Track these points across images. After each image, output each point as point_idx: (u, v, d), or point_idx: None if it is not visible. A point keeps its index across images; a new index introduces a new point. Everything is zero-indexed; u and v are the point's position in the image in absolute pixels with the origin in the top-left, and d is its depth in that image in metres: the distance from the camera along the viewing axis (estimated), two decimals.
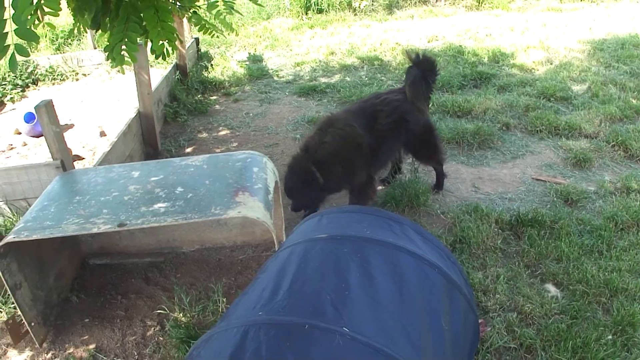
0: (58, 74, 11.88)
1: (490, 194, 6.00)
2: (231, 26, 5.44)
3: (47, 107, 4.89)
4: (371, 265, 2.63)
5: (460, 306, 2.83)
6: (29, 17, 2.53)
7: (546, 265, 4.76)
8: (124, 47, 3.33)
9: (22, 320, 4.35)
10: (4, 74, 11.09)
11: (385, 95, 5.72)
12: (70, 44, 13.51)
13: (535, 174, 6.37)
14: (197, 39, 11.95)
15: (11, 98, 10.80)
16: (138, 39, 3.67)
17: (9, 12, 2.64)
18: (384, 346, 2.21)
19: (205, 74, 10.71)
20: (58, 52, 13.38)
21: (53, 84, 11.71)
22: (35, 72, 11.78)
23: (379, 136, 5.34)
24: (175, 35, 3.48)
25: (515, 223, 5.33)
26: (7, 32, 2.64)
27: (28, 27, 2.57)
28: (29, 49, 2.70)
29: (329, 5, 15.50)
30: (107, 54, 3.75)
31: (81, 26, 4.12)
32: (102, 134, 8.41)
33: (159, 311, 4.59)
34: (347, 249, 2.73)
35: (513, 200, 5.85)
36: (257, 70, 10.78)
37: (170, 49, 3.57)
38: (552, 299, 4.40)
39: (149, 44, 3.74)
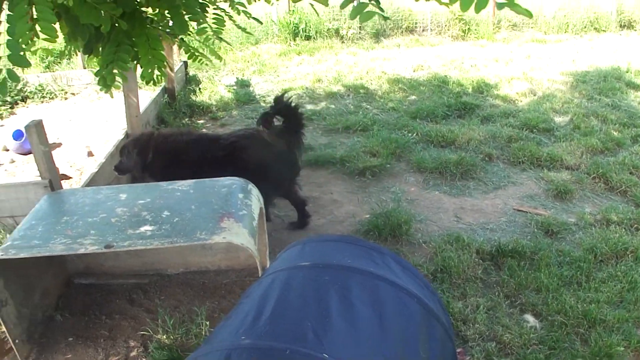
0: (47, 92, 11.92)
1: (472, 224, 6.08)
2: (218, 54, 5.52)
3: (37, 126, 4.95)
4: (352, 293, 2.68)
5: (438, 335, 2.89)
6: (24, 44, 2.60)
7: (525, 296, 4.82)
8: (114, 69, 3.39)
9: (6, 337, 4.38)
10: None
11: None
12: (60, 62, 13.56)
13: (517, 205, 6.45)
14: (185, 63, 12.02)
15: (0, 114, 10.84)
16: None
17: (3, 38, 2.70)
18: None
19: (193, 98, 10.77)
20: (48, 70, 13.42)
21: (42, 102, 11.74)
22: (25, 89, 11.80)
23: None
24: (165, 62, 3.56)
25: (496, 253, 5.39)
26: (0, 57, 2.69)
27: (22, 53, 2.63)
28: (19, 75, 2.77)
29: (316, 32, 15.58)
30: (97, 77, 3.83)
31: (72, 49, 4.18)
32: (90, 154, 8.44)
33: (142, 332, 4.61)
34: (329, 277, 2.79)
35: (494, 231, 5.92)
36: (244, 95, 10.84)
37: (159, 75, 3.65)
38: (530, 329, 4.46)
39: (139, 68, 3.82)
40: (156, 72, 3.52)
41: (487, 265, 5.27)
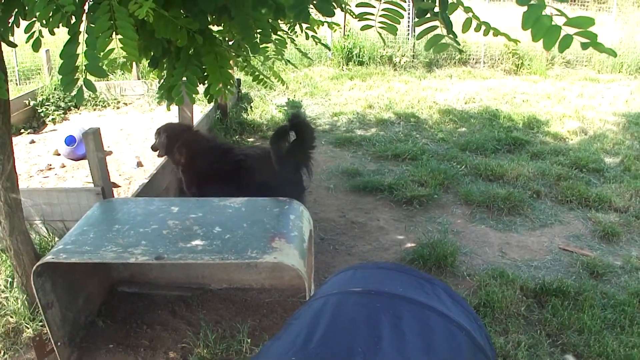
0: (100, 101, 12.21)
1: (516, 260, 6.05)
2: (281, 77, 5.61)
3: (94, 134, 5.07)
4: (402, 322, 2.71)
5: None
6: (104, 59, 2.69)
7: (567, 336, 4.78)
8: (181, 89, 3.48)
9: (48, 338, 4.47)
10: (48, 95, 11.37)
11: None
12: (114, 72, 13.82)
13: (563, 244, 6.41)
14: (239, 80, 12.18)
15: (53, 119, 11.13)
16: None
17: (82, 48, 2.78)
18: None
19: (245, 116, 10.92)
20: (101, 79, 13.67)
21: (94, 109, 12.02)
22: None
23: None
24: (231, 80, 3.64)
25: (540, 291, 5.35)
26: (77, 66, 2.77)
27: (100, 64, 2.70)
28: (94, 85, 2.84)
29: (369, 58, 15.72)
30: (161, 92, 3.94)
31: (131, 61, 4.26)
32: (140, 164, 8.58)
33: (183, 345, 4.67)
34: (380, 304, 2.81)
35: (539, 269, 5.88)
36: None
37: (227, 93, 3.73)
38: None
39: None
40: (224, 89, 3.61)
41: (530, 303, 5.23)
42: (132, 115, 11.53)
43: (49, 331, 4.32)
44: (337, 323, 2.73)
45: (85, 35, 2.71)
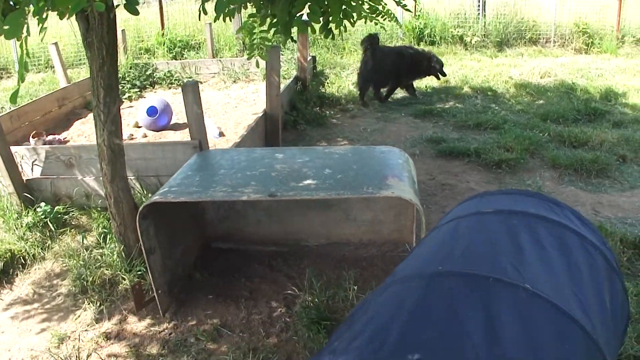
0: (175, 79, 12.42)
1: (610, 217, 5.97)
2: (396, 18, 5.66)
3: (193, 87, 5.15)
4: (540, 236, 2.70)
5: (617, 289, 2.88)
6: None
7: None
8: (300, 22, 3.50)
9: (146, 289, 4.60)
10: (124, 74, 11.64)
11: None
12: (188, 51, 14.03)
13: None
14: (314, 57, 12.29)
15: (129, 97, 11.48)
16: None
17: None
18: (563, 306, 2.27)
19: (322, 90, 11.02)
20: (174, 59, 13.87)
21: (169, 87, 12.23)
22: (154, 75, 12.33)
23: None
24: (354, 14, 3.66)
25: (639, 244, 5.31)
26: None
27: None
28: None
29: (441, 38, 15.66)
30: (252, 47, 3.98)
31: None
32: (221, 134, 8.72)
33: (287, 293, 4.71)
34: (516, 221, 2.81)
35: (633, 226, 5.79)
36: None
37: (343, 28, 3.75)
38: None
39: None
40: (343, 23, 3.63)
41: (631, 255, 5.16)
42: (208, 93, 11.67)
43: (150, 277, 4.40)
44: (478, 237, 2.74)
45: None
